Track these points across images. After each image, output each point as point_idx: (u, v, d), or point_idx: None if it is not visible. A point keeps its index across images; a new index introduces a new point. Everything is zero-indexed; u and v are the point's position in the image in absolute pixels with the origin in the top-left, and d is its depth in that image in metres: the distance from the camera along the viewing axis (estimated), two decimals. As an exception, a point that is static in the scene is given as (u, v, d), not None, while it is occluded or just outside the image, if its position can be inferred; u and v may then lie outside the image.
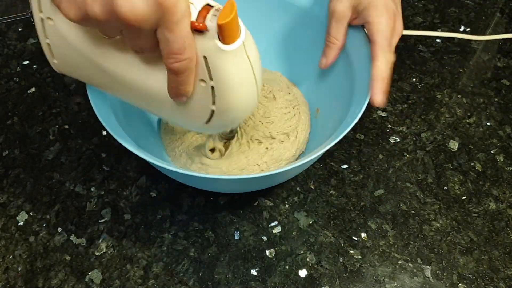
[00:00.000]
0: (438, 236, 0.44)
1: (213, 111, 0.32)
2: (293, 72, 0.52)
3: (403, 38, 0.62)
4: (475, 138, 0.52)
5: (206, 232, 0.44)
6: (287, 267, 0.42)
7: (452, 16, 0.65)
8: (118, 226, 0.45)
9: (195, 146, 0.46)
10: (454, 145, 0.51)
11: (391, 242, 0.44)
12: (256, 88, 0.32)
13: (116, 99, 0.40)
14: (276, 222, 0.45)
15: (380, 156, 0.50)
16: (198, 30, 0.28)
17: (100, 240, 0.44)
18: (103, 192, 0.47)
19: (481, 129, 0.53)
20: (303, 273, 0.42)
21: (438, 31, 0.63)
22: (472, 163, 0.50)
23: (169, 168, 0.34)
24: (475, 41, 0.61)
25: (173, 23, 0.26)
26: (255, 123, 0.47)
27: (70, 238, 0.44)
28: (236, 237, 0.44)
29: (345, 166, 0.49)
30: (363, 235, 0.44)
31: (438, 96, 0.56)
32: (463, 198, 0.47)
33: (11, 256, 0.43)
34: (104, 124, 0.36)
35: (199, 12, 0.28)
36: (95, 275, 0.42)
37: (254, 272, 0.42)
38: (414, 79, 0.57)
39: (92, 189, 0.47)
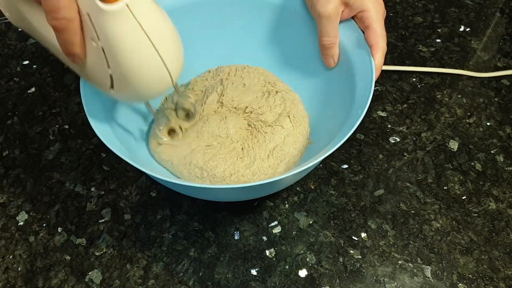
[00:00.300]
0: (438, 236, 0.44)
1: (111, 76, 0.32)
2: (290, 73, 0.52)
3: (403, 38, 0.62)
4: (475, 138, 0.52)
5: (206, 232, 0.44)
6: (287, 267, 0.42)
7: (452, 16, 0.65)
8: (118, 226, 0.45)
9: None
10: (454, 145, 0.51)
11: (391, 242, 0.44)
12: (160, 60, 0.31)
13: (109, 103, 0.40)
14: (276, 222, 0.45)
15: (380, 156, 0.50)
16: None
17: (100, 240, 0.44)
18: (103, 192, 0.47)
19: (481, 129, 0.53)
20: (303, 273, 0.42)
21: (438, 31, 0.63)
22: (472, 163, 0.50)
23: (161, 178, 0.34)
24: (475, 41, 0.61)
25: None
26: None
27: (70, 238, 0.44)
28: (236, 237, 0.44)
29: (345, 166, 0.49)
30: (363, 235, 0.44)
31: (438, 96, 0.56)
32: (463, 198, 0.47)
33: (11, 256, 0.43)
34: (99, 135, 0.36)
35: None
36: (95, 275, 0.42)
37: (254, 272, 0.42)
38: (414, 79, 0.57)
39: (92, 189, 0.47)
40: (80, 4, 0.28)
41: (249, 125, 0.47)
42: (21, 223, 0.45)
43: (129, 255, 0.43)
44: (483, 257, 0.43)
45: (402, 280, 0.42)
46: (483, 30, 0.63)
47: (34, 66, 0.58)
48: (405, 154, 0.50)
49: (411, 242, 0.44)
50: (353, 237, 0.44)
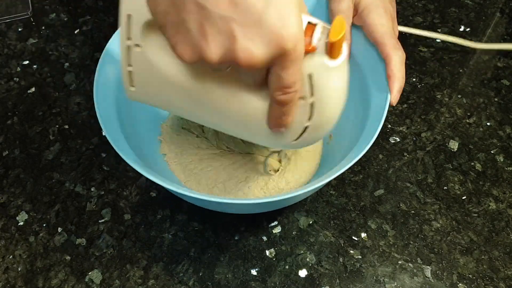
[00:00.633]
0: (438, 236, 0.44)
1: (306, 128, 0.32)
2: None
3: (403, 38, 0.62)
4: (475, 138, 0.52)
5: (206, 232, 0.44)
6: (287, 267, 0.42)
7: (452, 16, 0.65)
8: (118, 226, 0.45)
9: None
10: (454, 145, 0.51)
11: (391, 242, 0.44)
12: (344, 103, 0.32)
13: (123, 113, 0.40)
14: (276, 222, 0.45)
15: (380, 156, 0.50)
16: (307, 52, 0.28)
17: (100, 240, 0.44)
18: (103, 192, 0.47)
19: (481, 129, 0.53)
20: (303, 273, 0.42)
21: (438, 31, 0.63)
22: (472, 163, 0.50)
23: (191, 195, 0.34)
24: (475, 41, 0.61)
25: (289, 62, 0.26)
26: None
27: (70, 238, 0.44)
28: (236, 237, 0.44)
29: (345, 166, 0.49)
30: (363, 235, 0.44)
31: (438, 96, 0.56)
32: (463, 198, 0.47)
33: (11, 256, 0.43)
34: (115, 148, 0.35)
35: (304, 32, 0.28)
36: (95, 275, 0.42)
37: (254, 272, 0.42)
38: (414, 79, 0.57)
39: (92, 189, 0.47)
40: (304, 67, 0.29)
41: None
42: (21, 223, 0.45)
43: (129, 255, 0.43)
44: (483, 257, 0.43)
45: (402, 280, 0.42)
46: (483, 30, 0.63)
47: (34, 66, 0.58)
48: (405, 154, 0.50)
49: (411, 242, 0.44)
50: (353, 237, 0.44)
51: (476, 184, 0.48)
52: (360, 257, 0.43)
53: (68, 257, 0.43)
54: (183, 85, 0.32)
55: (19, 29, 0.63)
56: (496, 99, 0.55)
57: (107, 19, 0.63)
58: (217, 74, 0.31)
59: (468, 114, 0.54)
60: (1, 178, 0.48)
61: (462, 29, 0.63)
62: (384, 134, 0.52)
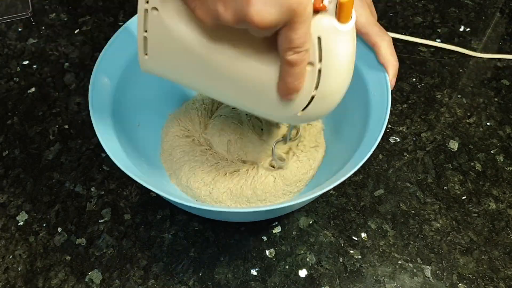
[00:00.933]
0: (438, 236, 0.44)
1: (313, 97, 0.32)
2: None
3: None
4: (475, 138, 0.52)
5: (206, 232, 0.44)
6: (287, 267, 0.42)
7: (452, 16, 0.65)
8: (118, 226, 0.45)
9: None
10: (454, 145, 0.51)
11: (391, 242, 0.44)
12: (351, 72, 0.32)
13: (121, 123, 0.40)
14: (276, 222, 0.45)
15: (380, 156, 0.50)
16: (317, 11, 0.28)
17: (100, 240, 0.44)
18: (103, 192, 0.47)
19: (481, 129, 0.53)
20: (303, 273, 0.42)
21: (438, 31, 0.63)
22: (472, 163, 0.50)
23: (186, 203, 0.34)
24: (475, 41, 0.61)
25: (299, 23, 0.27)
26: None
27: (70, 238, 0.44)
28: (236, 237, 0.44)
29: (345, 166, 0.49)
30: (363, 235, 0.44)
31: (438, 96, 0.56)
32: (463, 198, 0.47)
33: (11, 256, 0.43)
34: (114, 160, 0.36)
35: None
36: (95, 275, 0.42)
37: (254, 272, 0.42)
38: (414, 79, 0.57)
39: (92, 189, 0.47)
40: (312, 29, 0.29)
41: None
42: (21, 223, 0.45)
43: (129, 255, 0.43)
44: (483, 257, 0.43)
45: (402, 280, 0.42)
46: (483, 30, 0.63)
47: (34, 66, 0.58)
48: (405, 154, 0.50)
49: (411, 242, 0.44)
50: (353, 237, 0.44)
51: (476, 184, 0.48)
52: (360, 257, 0.43)
53: (68, 257, 0.43)
54: (197, 50, 0.32)
55: (19, 29, 0.63)
56: (496, 99, 0.55)
57: (107, 19, 0.63)
58: (231, 40, 0.31)
59: (468, 114, 0.54)
60: (1, 178, 0.48)
61: (462, 29, 0.63)
62: (384, 134, 0.52)
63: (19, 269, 0.42)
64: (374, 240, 0.44)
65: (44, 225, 0.45)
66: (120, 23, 0.62)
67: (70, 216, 0.45)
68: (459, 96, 0.56)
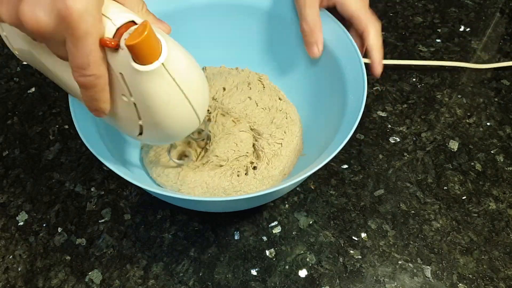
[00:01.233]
0: (438, 236, 0.44)
1: (141, 126, 0.32)
2: (283, 78, 0.51)
3: (403, 38, 0.62)
4: (475, 138, 0.52)
5: (206, 232, 0.44)
6: (287, 267, 0.42)
7: (452, 16, 0.65)
8: (118, 226, 0.45)
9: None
10: (454, 145, 0.51)
11: (391, 242, 0.44)
12: (191, 107, 0.31)
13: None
14: (276, 222, 0.45)
15: (380, 156, 0.50)
16: (111, 47, 0.27)
17: (100, 240, 0.44)
18: (103, 192, 0.47)
19: (481, 129, 0.53)
20: (303, 273, 0.42)
21: (438, 31, 0.63)
22: (472, 163, 0.50)
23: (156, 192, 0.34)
24: (475, 41, 0.61)
25: (76, 38, 0.26)
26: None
27: (70, 238, 0.44)
28: (236, 237, 0.44)
29: (345, 166, 0.49)
30: (363, 235, 0.44)
31: (438, 96, 0.56)
32: (463, 198, 0.47)
33: (11, 256, 0.43)
34: (98, 156, 0.35)
35: (118, 29, 0.27)
36: (95, 275, 0.42)
37: (254, 272, 0.42)
38: (414, 79, 0.57)
39: (92, 189, 0.47)
40: (112, 64, 0.28)
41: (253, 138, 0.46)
42: (21, 223, 0.45)
43: (129, 255, 0.43)
44: (483, 257, 0.43)
45: (402, 280, 0.42)
46: (483, 30, 0.63)
47: (34, 66, 0.58)
48: (405, 154, 0.50)
49: (411, 242, 0.44)
50: (353, 237, 0.44)
51: (476, 184, 0.48)
52: (360, 257, 0.43)
53: (68, 257, 0.43)
54: (31, 50, 0.32)
55: (19, 29, 0.63)
56: (496, 99, 0.55)
57: (107, 19, 0.63)
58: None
59: (468, 114, 0.54)
60: (1, 178, 0.48)
61: (462, 29, 0.63)
62: (384, 134, 0.52)
63: (19, 269, 0.42)
64: (374, 240, 0.44)
65: (44, 225, 0.45)
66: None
67: (70, 216, 0.45)
68: (459, 96, 0.56)
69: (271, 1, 0.47)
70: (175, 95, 0.30)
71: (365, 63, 0.41)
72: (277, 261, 0.43)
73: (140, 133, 0.33)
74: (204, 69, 0.52)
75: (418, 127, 0.53)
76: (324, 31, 0.43)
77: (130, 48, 0.26)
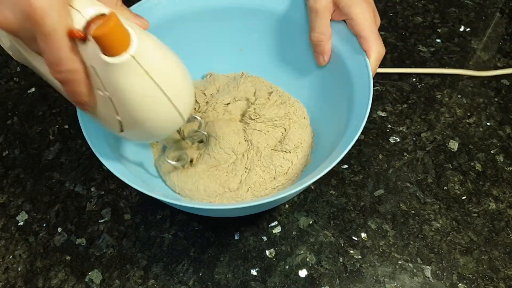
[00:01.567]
0: (438, 236, 0.44)
1: (120, 122, 0.31)
2: (290, 85, 0.51)
3: (403, 38, 0.62)
4: (475, 138, 0.52)
5: (206, 232, 0.44)
6: (287, 267, 0.42)
7: (452, 16, 0.65)
8: (118, 226, 0.45)
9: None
10: (454, 145, 0.51)
11: (391, 242, 0.44)
12: (170, 103, 0.31)
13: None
14: (276, 222, 0.45)
15: (380, 156, 0.50)
16: (78, 38, 0.27)
17: (100, 240, 0.44)
18: (103, 192, 0.47)
19: (481, 129, 0.53)
20: (303, 273, 0.42)
21: (438, 31, 0.63)
22: (472, 163, 0.50)
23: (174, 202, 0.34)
24: (475, 41, 0.61)
25: (44, 35, 0.26)
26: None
27: (70, 238, 0.44)
28: (236, 237, 0.44)
29: (345, 166, 0.49)
30: (363, 235, 0.44)
31: (438, 96, 0.56)
32: (463, 198, 0.47)
33: (11, 256, 0.43)
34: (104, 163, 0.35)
35: (88, 21, 0.27)
36: (95, 275, 0.42)
37: (254, 272, 0.42)
38: (414, 79, 0.57)
39: (92, 189, 0.47)
40: (84, 57, 0.28)
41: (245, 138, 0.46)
42: (21, 223, 0.45)
43: (129, 255, 0.43)
44: (483, 257, 0.43)
45: (402, 280, 0.42)
46: (483, 30, 0.63)
47: (34, 66, 0.58)
48: (405, 154, 0.50)
49: (411, 242, 0.44)
50: (353, 237, 0.44)
51: (476, 184, 0.48)
52: (360, 257, 0.43)
53: (68, 257, 0.43)
54: (20, 50, 0.32)
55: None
56: (496, 99, 0.55)
57: (107, 19, 0.63)
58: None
59: (468, 114, 0.54)
60: (1, 178, 0.48)
61: (462, 29, 0.63)
62: (384, 134, 0.52)
63: (19, 269, 0.42)
64: (374, 240, 0.44)
65: (44, 225, 0.45)
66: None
67: (70, 216, 0.45)
68: (459, 96, 0.56)
69: (285, 6, 0.47)
70: (150, 89, 0.29)
71: None
72: (277, 261, 0.43)
73: (121, 130, 0.32)
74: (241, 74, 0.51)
75: (418, 127, 0.53)
76: (337, 39, 0.43)
77: (96, 39, 0.26)
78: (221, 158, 0.44)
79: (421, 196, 0.47)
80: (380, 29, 0.63)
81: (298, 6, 0.45)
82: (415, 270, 0.42)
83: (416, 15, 0.65)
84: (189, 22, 0.47)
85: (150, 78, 0.29)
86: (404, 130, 0.52)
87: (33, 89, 0.56)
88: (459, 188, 0.48)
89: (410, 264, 0.43)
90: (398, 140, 0.51)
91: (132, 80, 0.28)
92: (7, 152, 0.50)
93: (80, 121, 0.37)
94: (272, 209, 0.46)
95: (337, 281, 0.42)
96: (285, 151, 0.45)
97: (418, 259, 0.43)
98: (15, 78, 0.57)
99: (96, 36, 0.26)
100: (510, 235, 0.44)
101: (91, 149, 0.49)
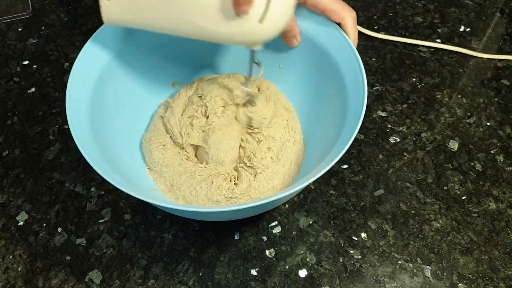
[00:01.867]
0: (438, 236, 0.44)
1: (269, 1, 0.32)
2: (287, 86, 0.50)
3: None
4: (475, 138, 0.52)
5: (206, 232, 0.44)
6: (287, 267, 0.42)
7: (452, 16, 0.65)
8: (118, 226, 0.45)
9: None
10: (454, 145, 0.51)
11: (391, 242, 0.44)
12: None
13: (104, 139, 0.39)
14: (276, 222, 0.45)
15: (380, 156, 0.50)
16: None
17: (100, 240, 0.44)
18: (103, 192, 0.47)
19: (481, 129, 0.53)
20: (303, 273, 0.42)
21: (438, 31, 0.63)
22: (472, 163, 0.50)
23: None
24: (475, 41, 0.61)
25: None
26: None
27: (70, 238, 0.44)
28: (236, 237, 0.44)
29: (345, 166, 0.49)
30: (363, 235, 0.44)
31: (438, 96, 0.56)
32: (463, 198, 0.47)
33: (11, 256, 0.43)
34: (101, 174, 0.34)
35: None
36: (95, 275, 0.42)
37: (254, 272, 0.42)
38: (414, 79, 0.57)
39: (92, 189, 0.47)
40: None
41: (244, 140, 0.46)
42: (21, 223, 0.45)
43: (129, 255, 0.43)
44: (483, 257, 0.43)
45: (402, 280, 0.42)
46: (483, 30, 0.63)
47: (34, 66, 0.58)
48: (405, 154, 0.50)
49: (411, 242, 0.44)
50: (353, 237, 0.44)
51: (476, 184, 0.48)
52: (360, 257, 0.43)
53: (68, 257, 0.43)
54: None
55: (19, 29, 0.63)
56: (496, 99, 0.55)
57: (107, 19, 0.63)
58: None
59: (468, 114, 0.54)
60: (1, 178, 0.48)
61: (462, 29, 0.63)
62: (384, 134, 0.52)
63: (19, 269, 0.42)
64: (374, 240, 0.44)
65: (44, 225, 0.45)
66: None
67: (70, 216, 0.45)
68: (459, 96, 0.56)
69: None
70: None
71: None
72: (277, 261, 0.43)
73: (263, 16, 0.33)
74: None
75: (418, 127, 0.53)
76: (323, 36, 0.43)
77: None
78: (214, 162, 0.44)
79: (421, 196, 0.47)
80: (380, 29, 0.63)
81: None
82: (415, 270, 0.42)
83: (416, 15, 0.65)
84: None
85: None
86: (404, 130, 0.52)
87: (33, 89, 0.56)
88: (459, 188, 0.48)
89: (410, 264, 0.43)
90: (398, 140, 0.51)
91: None
92: (7, 152, 0.50)
93: (71, 128, 0.36)
94: (272, 209, 0.46)
95: (337, 281, 0.42)
96: (277, 161, 0.45)
97: (418, 259, 0.43)
98: (15, 78, 0.57)
99: None
100: (510, 235, 0.44)
101: (91, 149, 0.50)
